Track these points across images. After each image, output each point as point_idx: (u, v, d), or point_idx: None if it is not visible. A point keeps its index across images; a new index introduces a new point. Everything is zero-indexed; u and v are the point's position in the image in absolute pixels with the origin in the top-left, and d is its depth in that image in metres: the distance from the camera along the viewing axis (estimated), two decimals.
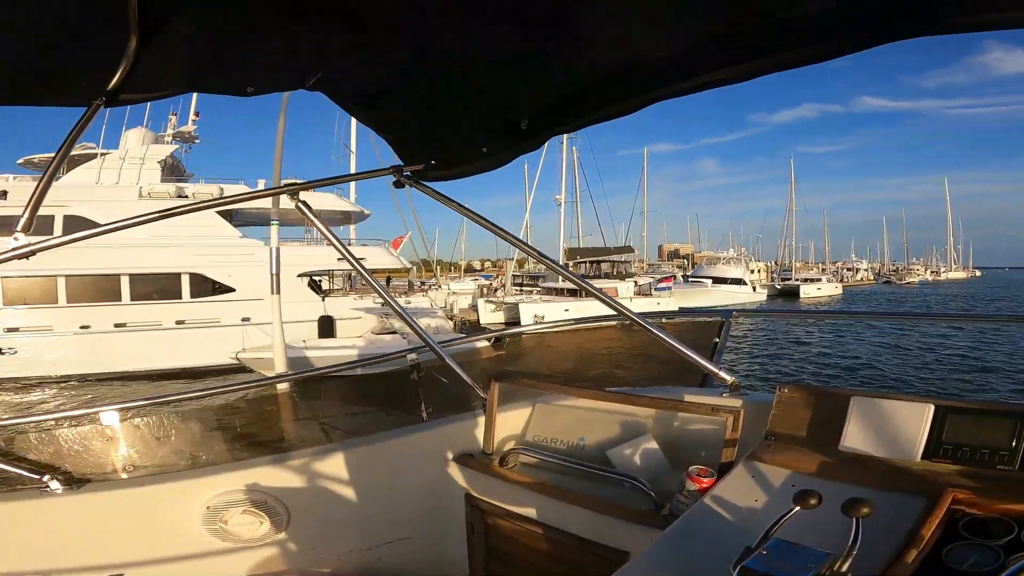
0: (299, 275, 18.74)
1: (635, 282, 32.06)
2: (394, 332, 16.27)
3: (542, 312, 24.83)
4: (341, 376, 3.92)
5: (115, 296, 17.05)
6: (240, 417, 2.97)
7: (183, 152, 22.26)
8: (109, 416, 2.15)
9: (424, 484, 2.18)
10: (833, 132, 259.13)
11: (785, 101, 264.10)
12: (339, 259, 19.63)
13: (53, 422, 2.20)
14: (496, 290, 31.41)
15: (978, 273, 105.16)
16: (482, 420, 2.23)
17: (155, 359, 16.81)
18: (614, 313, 2.24)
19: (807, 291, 49.15)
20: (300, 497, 2.04)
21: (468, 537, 2.15)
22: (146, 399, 2.33)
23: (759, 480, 1.42)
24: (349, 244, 20.67)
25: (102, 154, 18.44)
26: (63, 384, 15.80)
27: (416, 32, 1.31)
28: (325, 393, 3.93)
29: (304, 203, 2.04)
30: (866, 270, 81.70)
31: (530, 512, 1.95)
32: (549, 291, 28.79)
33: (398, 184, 1.98)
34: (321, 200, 19.23)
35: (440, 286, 27.36)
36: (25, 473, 1.82)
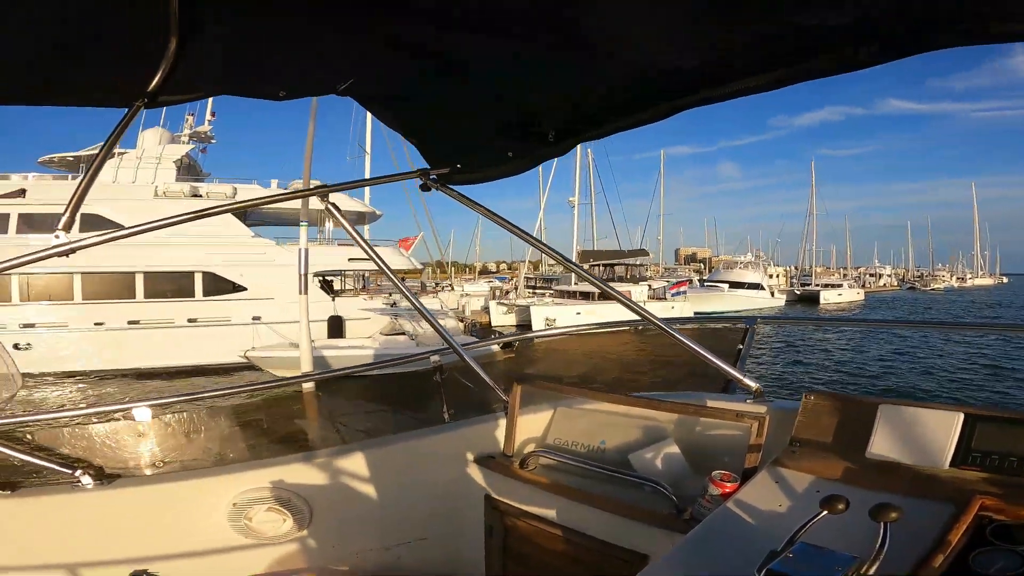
0: (313, 275, 18.88)
1: (649, 286, 31.65)
2: (403, 334, 16.31)
3: (553, 315, 24.68)
4: (364, 376, 3.94)
5: (129, 293, 17.25)
6: (266, 415, 3.01)
7: (199, 152, 22.53)
8: (141, 412, 2.18)
9: (444, 485, 2.19)
10: (857, 135, 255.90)
11: (807, 104, 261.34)
12: (350, 259, 19.75)
13: (85, 418, 2.24)
14: (508, 292, 31.28)
15: (1005, 280, 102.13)
16: (503, 422, 2.23)
17: (167, 356, 16.97)
18: (634, 318, 2.24)
19: (827, 297, 47.87)
20: (323, 495, 2.06)
21: (486, 539, 2.15)
22: (178, 395, 2.36)
23: (783, 485, 1.40)
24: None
25: (119, 153, 18.62)
26: (76, 378, 15.92)
27: (447, 41, 1.33)
28: (348, 393, 3.95)
29: (334, 205, 2.07)
30: (889, 276, 79.90)
31: (550, 514, 1.95)
32: (562, 294, 28.62)
33: (424, 187, 1.99)
34: (337, 202, 19.22)
35: (453, 288, 27.38)
36: (57, 467, 1.85)
